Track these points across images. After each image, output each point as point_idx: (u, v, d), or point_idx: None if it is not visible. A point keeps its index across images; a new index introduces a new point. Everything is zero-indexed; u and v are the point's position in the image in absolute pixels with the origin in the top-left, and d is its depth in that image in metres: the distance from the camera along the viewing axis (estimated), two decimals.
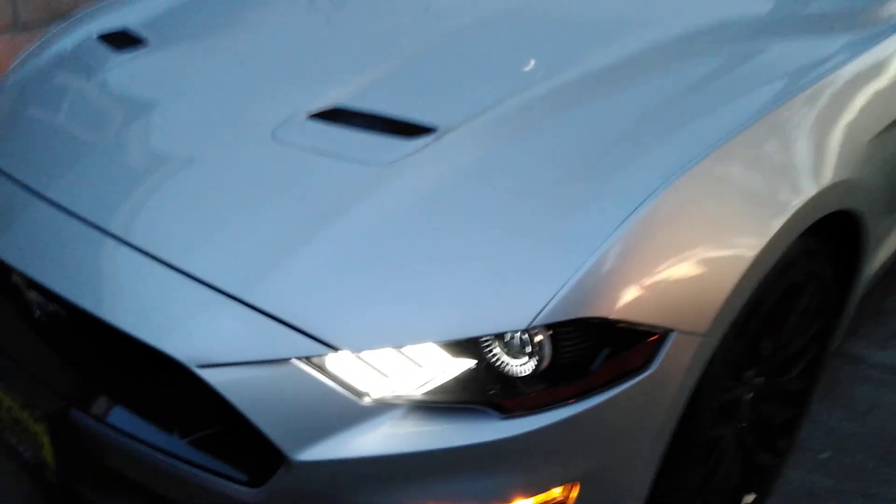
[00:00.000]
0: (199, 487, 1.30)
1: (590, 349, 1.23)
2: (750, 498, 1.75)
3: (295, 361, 1.20)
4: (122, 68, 1.79)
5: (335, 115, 1.50)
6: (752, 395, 1.61)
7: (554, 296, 1.19)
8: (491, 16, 1.83)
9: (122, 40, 1.90)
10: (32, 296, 1.48)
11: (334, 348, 1.19)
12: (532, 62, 1.62)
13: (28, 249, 1.42)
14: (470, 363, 1.22)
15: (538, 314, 1.18)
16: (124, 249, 1.36)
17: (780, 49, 1.64)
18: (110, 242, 1.36)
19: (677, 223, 1.30)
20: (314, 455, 1.21)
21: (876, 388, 2.22)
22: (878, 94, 1.66)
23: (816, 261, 1.59)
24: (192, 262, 1.30)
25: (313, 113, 1.51)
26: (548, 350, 1.21)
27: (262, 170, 1.43)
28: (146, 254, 1.33)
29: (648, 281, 1.25)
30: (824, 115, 1.54)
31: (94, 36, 1.95)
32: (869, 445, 2.03)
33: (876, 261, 1.95)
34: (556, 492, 1.28)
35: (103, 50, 1.88)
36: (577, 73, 1.54)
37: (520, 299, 1.19)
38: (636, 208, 1.25)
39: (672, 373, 1.28)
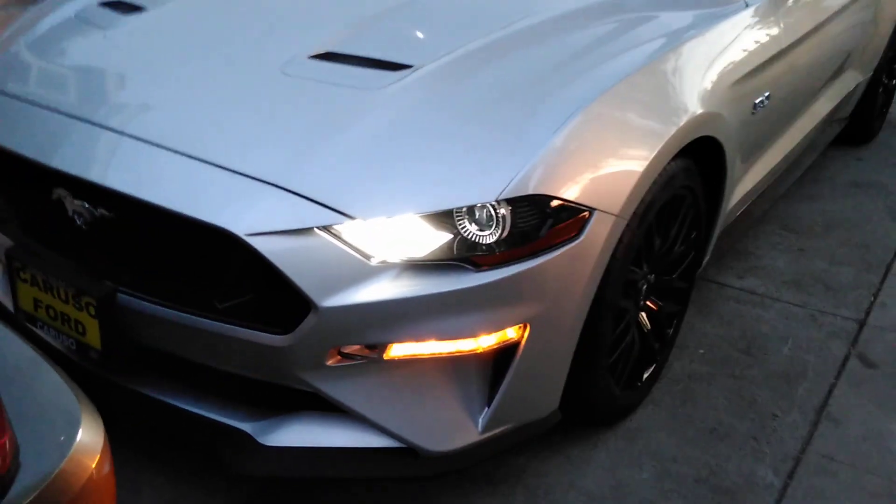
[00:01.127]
0: (238, 342, 1.65)
1: (538, 220, 1.67)
2: (648, 371, 2.24)
3: (317, 231, 1.58)
4: (133, 25, 2.12)
5: (330, 57, 1.90)
6: (647, 283, 2.10)
7: (512, 178, 1.63)
8: None
9: (122, 6, 2.23)
10: (77, 205, 1.78)
11: (349, 216, 1.58)
12: (479, 20, 2.08)
13: (85, 161, 1.73)
14: (448, 236, 1.63)
15: (501, 191, 1.61)
16: (170, 155, 1.70)
17: (660, 17, 2.17)
18: (162, 152, 1.71)
19: (595, 132, 1.77)
20: (334, 302, 1.59)
21: (737, 305, 2.77)
22: (735, 51, 2.21)
23: (692, 177, 2.10)
24: (233, 159, 1.66)
25: (312, 55, 1.91)
26: (508, 221, 1.64)
27: (280, 94, 1.81)
28: (190, 156, 1.68)
29: (579, 171, 1.71)
30: (694, 65, 2.07)
31: (95, 4, 2.26)
32: (734, 344, 2.56)
33: (735, 195, 2.50)
34: (511, 333, 1.71)
35: (109, 13, 2.19)
36: (515, 29, 2.02)
37: (486, 180, 1.63)
38: (567, 118, 1.72)
39: (595, 242, 1.74)
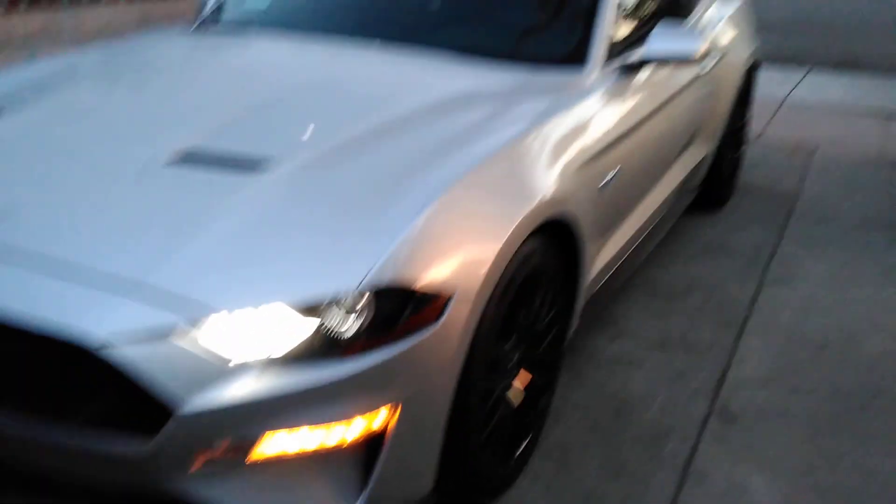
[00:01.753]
0: (94, 453, 1.62)
1: (399, 307, 1.73)
2: (523, 444, 2.30)
3: (175, 336, 1.59)
4: None
5: (193, 155, 1.94)
6: (513, 358, 2.19)
7: (371, 268, 1.69)
8: (295, 89, 2.37)
9: None
10: None
11: (211, 309, 1.60)
12: (342, 114, 2.17)
13: None
14: (315, 321, 1.67)
15: (361, 281, 1.67)
16: (28, 255, 1.68)
17: (511, 107, 2.32)
18: (15, 252, 1.68)
19: (451, 219, 1.86)
20: (195, 407, 1.59)
21: (607, 370, 2.90)
22: (581, 134, 2.38)
23: (547, 255, 2.22)
24: (87, 262, 1.66)
25: (176, 152, 1.94)
26: (370, 310, 1.70)
27: (141, 195, 1.83)
28: (43, 261, 1.67)
29: (437, 257, 1.79)
30: (543, 150, 2.22)
31: None
32: (605, 409, 2.67)
33: (596, 266, 2.65)
34: (384, 413, 1.75)
35: None
36: (376, 122, 2.13)
37: (348, 270, 1.68)
38: (424, 206, 1.81)
39: (455, 325, 1.82)
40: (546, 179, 2.17)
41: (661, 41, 2.75)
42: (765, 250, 3.96)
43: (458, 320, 1.82)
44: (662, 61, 2.79)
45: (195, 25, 3.20)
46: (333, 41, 2.78)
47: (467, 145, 2.09)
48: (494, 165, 2.06)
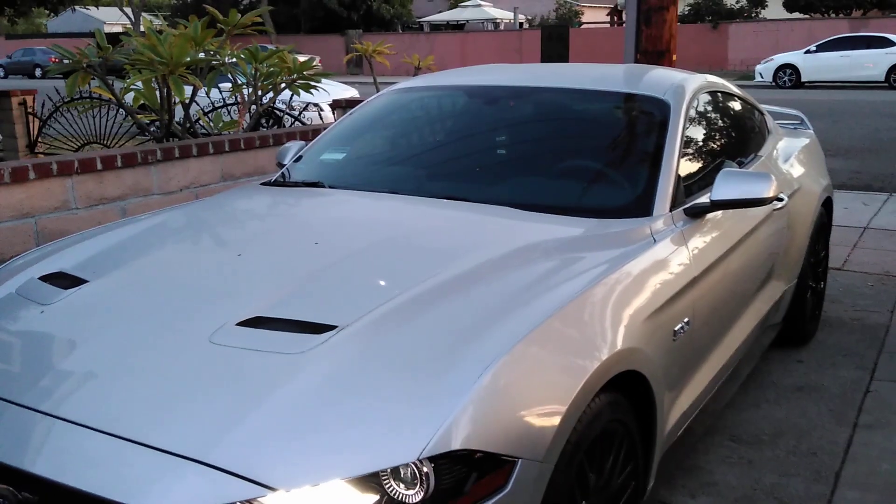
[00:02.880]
0: None
1: (463, 475, 1.68)
2: None
3: None
4: (71, 299, 2.20)
5: (258, 322, 1.98)
6: None
7: (433, 435, 1.66)
8: (364, 246, 2.42)
9: (61, 279, 2.32)
10: (1, 488, 1.76)
11: (270, 489, 1.58)
12: (404, 274, 2.19)
13: (8, 445, 1.74)
14: (374, 497, 1.63)
15: (423, 449, 1.64)
16: (93, 435, 1.72)
17: (575, 259, 2.31)
18: (85, 432, 1.72)
19: (515, 379, 1.83)
20: None
21: None
22: (648, 284, 2.34)
23: (620, 411, 2.15)
24: (153, 436, 1.68)
25: (239, 321, 1.98)
26: (432, 479, 1.65)
27: (206, 363, 1.86)
28: (111, 435, 1.70)
29: (501, 420, 1.75)
30: (610, 302, 2.18)
31: (36, 277, 2.36)
32: None
33: (672, 417, 2.54)
34: None
35: (48, 288, 2.28)
36: (437, 282, 2.13)
37: (408, 438, 1.65)
38: (486, 369, 1.78)
39: (524, 489, 1.75)
40: (613, 333, 2.13)
41: (727, 187, 2.74)
42: (856, 390, 3.75)
43: (525, 486, 1.75)
44: (730, 206, 2.76)
45: (273, 179, 3.35)
46: (402, 198, 2.86)
47: (531, 301, 2.08)
48: (559, 321, 2.03)
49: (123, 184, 4.24)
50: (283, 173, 3.37)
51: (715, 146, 3.35)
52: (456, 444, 1.67)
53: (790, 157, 4.04)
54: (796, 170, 4.01)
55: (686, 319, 2.51)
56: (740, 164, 3.46)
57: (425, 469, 1.64)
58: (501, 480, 1.72)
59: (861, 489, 2.94)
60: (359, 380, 1.80)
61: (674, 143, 2.87)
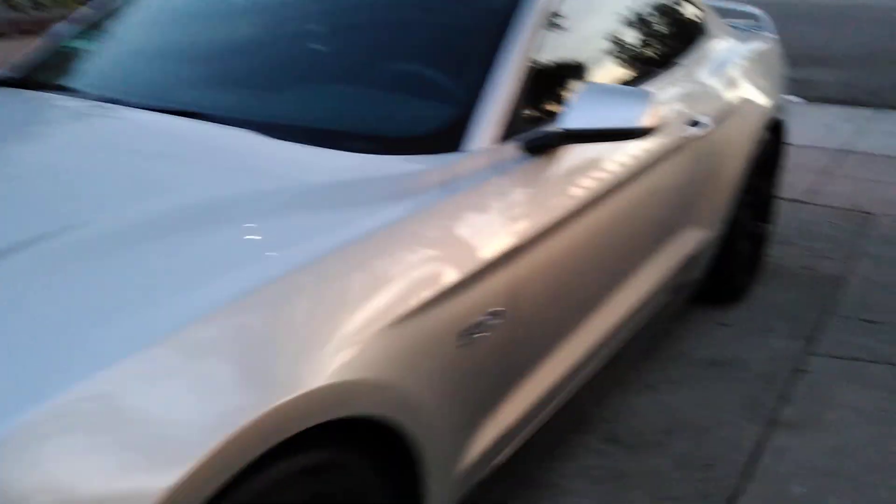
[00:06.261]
0: None
1: None
2: None
3: None
4: None
5: None
6: None
7: None
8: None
9: None
10: None
11: None
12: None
13: None
14: None
15: None
16: None
17: (303, 222, 1.47)
18: None
19: (101, 410, 1.05)
20: None
21: None
22: (407, 268, 1.50)
23: (337, 477, 1.36)
24: None
25: None
26: None
27: None
28: None
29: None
30: (323, 296, 1.34)
31: None
32: None
33: (464, 463, 1.73)
34: None
35: None
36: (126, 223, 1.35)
37: None
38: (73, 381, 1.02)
39: None
40: (318, 352, 1.30)
41: (585, 110, 1.87)
42: (784, 369, 2.97)
43: None
44: (587, 138, 1.89)
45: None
46: (117, 110, 2.00)
47: (199, 286, 1.26)
48: (220, 325, 1.21)
49: None
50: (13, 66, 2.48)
51: (599, 49, 2.43)
52: None
53: (726, 68, 3.13)
54: (733, 84, 3.11)
55: (492, 311, 1.69)
56: (641, 76, 2.57)
57: None
58: None
59: None
60: None
61: (515, 42, 1.98)
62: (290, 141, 1.77)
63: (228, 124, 1.84)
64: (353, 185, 1.62)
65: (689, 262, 2.90)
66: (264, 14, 2.38)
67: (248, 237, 1.42)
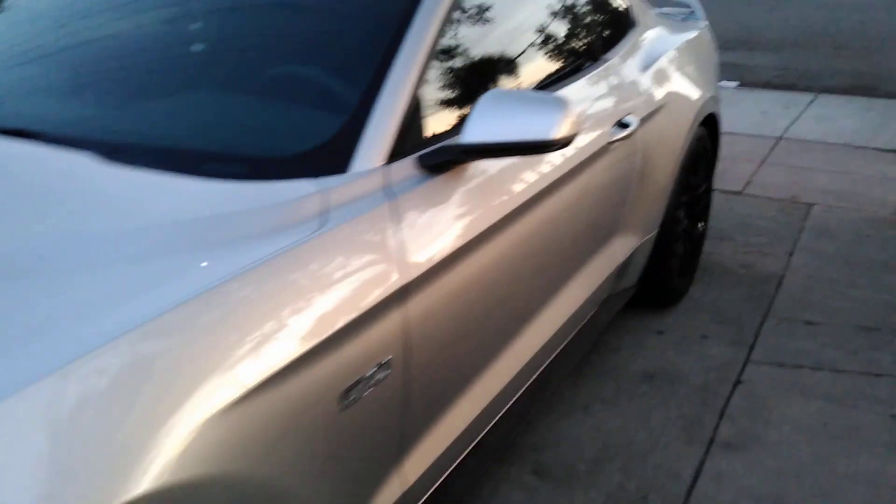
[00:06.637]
0: None
1: None
2: None
3: None
4: None
5: None
6: None
7: None
8: None
9: None
10: None
11: None
12: None
13: None
14: None
15: None
16: None
17: (134, 274, 1.19)
18: None
19: None
20: None
21: None
22: (257, 327, 1.24)
23: None
24: None
25: None
26: None
27: None
28: None
29: None
30: (130, 374, 1.08)
31: None
32: None
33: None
34: None
35: None
36: None
37: None
38: None
39: None
40: (143, 448, 1.05)
41: (487, 121, 1.63)
42: (723, 381, 2.80)
43: None
44: (491, 153, 1.66)
45: None
46: None
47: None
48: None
49: None
50: None
51: (514, 47, 2.20)
52: None
53: (657, 61, 2.93)
54: (665, 79, 2.92)
55: (379, 362, 1.45)
56: (563, 76, 2.35)
57: None
58: None
59: None
60: None
61: (412, 40, 1.74)
62: (135, 165, 1.50)
63: (61, 145, 1.56)
64: (207, 223, 1.35)
65: (621, 271, 2.71)
66: (111, 13, 2.08)
67: (47, 302, 1.14)
